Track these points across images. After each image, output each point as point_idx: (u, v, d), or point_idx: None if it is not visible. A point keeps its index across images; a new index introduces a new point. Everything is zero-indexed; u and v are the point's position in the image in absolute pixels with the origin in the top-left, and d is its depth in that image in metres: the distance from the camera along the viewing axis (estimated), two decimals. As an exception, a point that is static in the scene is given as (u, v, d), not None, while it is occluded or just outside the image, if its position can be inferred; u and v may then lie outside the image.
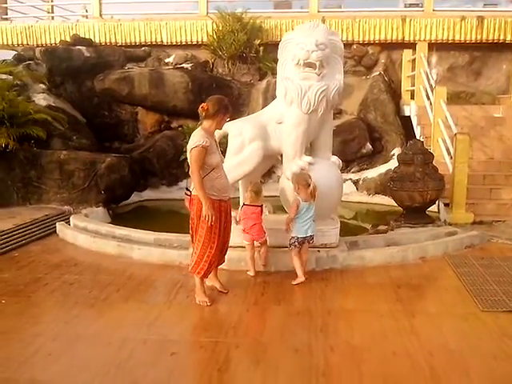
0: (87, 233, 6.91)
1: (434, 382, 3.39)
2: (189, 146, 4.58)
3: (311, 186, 5.18)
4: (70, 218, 7.62)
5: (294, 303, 4.77)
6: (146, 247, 6.21)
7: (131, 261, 6.07)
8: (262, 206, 5.48)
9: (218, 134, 5.95)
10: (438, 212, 7.99)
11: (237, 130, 5.63)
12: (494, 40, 11.62)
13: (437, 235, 6.72)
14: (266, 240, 5.47)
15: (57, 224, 7.43)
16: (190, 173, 4.64)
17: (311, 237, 5.29)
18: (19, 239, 6.88)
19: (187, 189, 4.79)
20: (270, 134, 5.73)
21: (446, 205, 7.81)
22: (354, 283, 5.28)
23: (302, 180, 5.24)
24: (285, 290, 5.06)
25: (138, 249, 6.19)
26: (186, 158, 10.39)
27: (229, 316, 4.48)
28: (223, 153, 5.78)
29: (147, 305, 4.73)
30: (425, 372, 3.50)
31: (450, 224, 7.35)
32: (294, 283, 5.15)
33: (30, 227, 7.29)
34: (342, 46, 5.76)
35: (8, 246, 6.61)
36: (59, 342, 4.00)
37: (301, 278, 5.18)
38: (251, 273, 5.46)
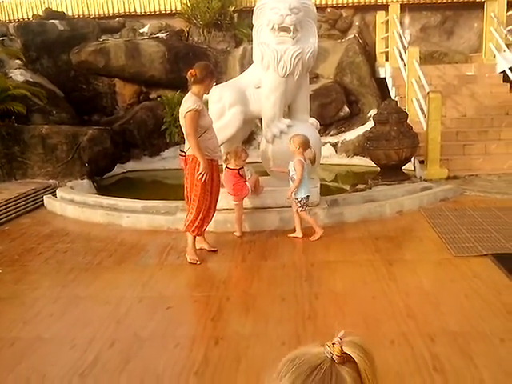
0: (75, 204, 7.07)
1: (410, 318, 3.70)
2: (182, 111, 4.80)
3: (312, 150, 5.42)
4: (57, 191, 7.76)
5: (279, 258, 5.05)
6: (134, 215, 6.41)
7: (121, 228, 6.28)
8: (239, 169, 5.65)
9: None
10: (414, 169, 8.29)
11: (217, 95, 5.80)
12: (464, -1, 11.80)
13: (412, 190, 7.04)
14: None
15: (44, 197, 7.57)
16: (185, 135, 4.86)
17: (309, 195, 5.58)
18: (9, 213, 7.02)
19: (181, 150, 5.02)
20: (249, 99, 5.92)
21: (421, 162, 8.10)
22: (334, 238, 5.57)
23: (305, 143, 5.39)
24: (270, 247, 5.33)
25: (126, 216, 6.38)
26: (167, 129, 10.53)
27: (219, 273, 4.75)
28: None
29: (140, 267, 4.97)
30: (401, 310, 3.82)
31: (426, 180, 7.65)
32: (313, 239, 5.43)
33: (18, 201, 7.42)
34: (315, 10, 5.93)
35: (-2, 220, 6.76)
36: (59, 304, 4.22)
37: (320, 232, 5.46)
38: (237, 233, 5.70)
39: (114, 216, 6.47)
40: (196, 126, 4.75)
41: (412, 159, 8.00)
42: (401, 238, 5.63)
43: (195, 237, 5.08)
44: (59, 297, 4.36)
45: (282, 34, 5.65)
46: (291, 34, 5.61)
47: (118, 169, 10.18)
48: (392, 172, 7.66)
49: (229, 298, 4.16)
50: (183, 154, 4.97)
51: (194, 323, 3.85)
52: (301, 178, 5.32)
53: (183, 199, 5.31)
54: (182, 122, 4.86)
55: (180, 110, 4.87)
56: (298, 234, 5.51)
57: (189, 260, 4.97)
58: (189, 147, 4.86)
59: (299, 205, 5.45)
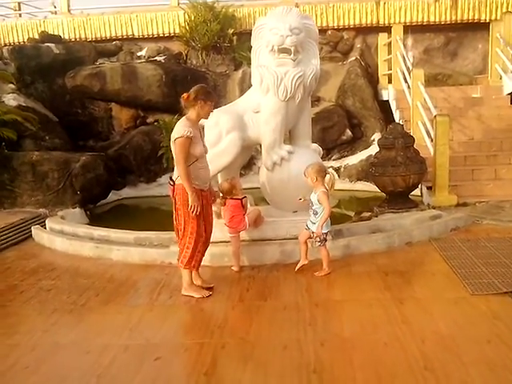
0: (64, 235, 6.69)
1: (428, 369, 3.28)
2: (172, 136, 4.47)
3: (330, 177, 5.05)
4: (46, 221, 7.38)
5: (281, 297, 4.63)
6: (125, 247, 6.01)
7: (111, 262, 5.88)
8: (241, 198, 5.31)
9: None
10: (421, 196, 7.93)
11: (213, 120, 5.45)
12: (468, 20, 11.58)
13: (421, 219, 6.64)
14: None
15: (32, 228, 7.19)
16: (175, 163, 4.52)
17: None
18: (-7, 246, 6.64)
19: (171, 178, 4.64)
20: (247, 124, 5.58)
21: (429, 188, 7.74)
22: (340, 273, 5.16)
23: (322, 171, 5.01)
24: (270, 285, 4.92)
25: (116, 249, 5.99)
26: (164, 154, 10.19)
27: (214, 315, 4.32)
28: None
29: (128, 307, 4.55)
30: (418, 360, 3.39)
31: (434, 207, 7.27)
32: (319, 275, 5.05)
33: (4, 232, 7.04)
34: (317, 30, 5.63)
35: (-19, 254, 6.37)
36: (37, 353, 3.80)
37: (328, 270, 5.09)
38: (235, 268, 5.31)
39: (103, 249, 6.07)
40: (185, 153, 4.40)
41: (419, 185, 7.63)
42: (411, 273, 5.21)
43: (191, 272, 4.71)
44: (37, 344, 3.94)
45: (282, 55, 5.33)
46: (292, 55, 5.29)
47: (113, 195, 9.84)
48: (399, 199, 7.28)
49: (224, 346, 3.73)
50: (172, 182, 4.59)
51: (185, 379, 3.41)
52: (330, 210, 4.97)
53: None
54: (172, 148, 4.50)
55: (171, 136, 4.51)
56: (326, 270, 5.10)
57: (198, 296, 4.64)
58: (178, 176, 4.51)
59: (318, 240, 5.06)
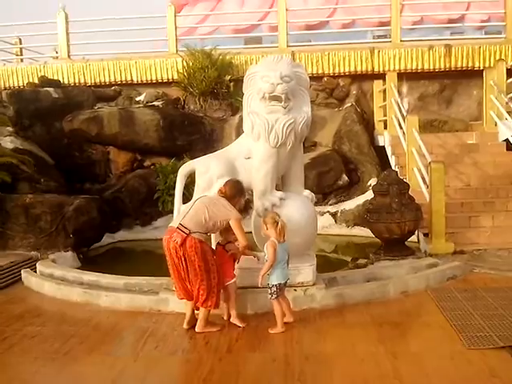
0: (52, 280, 6.55)
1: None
2: (231, 213, 4.85)
3: (279, 224, 4.88)
4: (37, 265, 7.26)
5: (270, 349, 4.48)
6: (113, 294, 5.87)
7: (98, 308, 5.72)
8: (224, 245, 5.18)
9: (184, 170, 5.79)
10: (418, 242, 7.82)
11: (203, 166, 5.43)
12: (462, 67, 11.73)
13: (418, 267, 6.52)
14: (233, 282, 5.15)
15: (22, 271, 7.06)
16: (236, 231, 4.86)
17: (288, 279, 5.02)
18: (-19, 290, 6.50)
19: (182, 225, 4.73)
20: (238, 170, 5.53)
21: (426, 235, 7.65)
22: (333, 323, 5.01)
23: (269, 218, 4.94)
24: (260, 335, 4.76)
25: (105, 295, 5.85)
26: (160, 197, 10.16)
27: (200, 367, 4.15)
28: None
29: (112, 357, 4.39)
30: (410, 422, 3.24)
31: (431, 255, 7.16)
32: (272, 332, 4.80)
33: (-7, 276, 6.91)
34: (308, 78, 5.64)
35: (-32, 298, 6.22)
36: (12, 408, 3.64)
37: (280, 329, 4.81)
38: (225, 316, 5.16)
39: (92, 295, 5.92)
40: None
41: (416, 232, 7.54)
42: (406, 325, 5.05)
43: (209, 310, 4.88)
44: (14, 397, 3.78)
45: (273, 102, 5.33)
46: (283, 102, 5.29)
47: (107, 238, 9.72)
48: (395, 246, 7.18)
49: (208, 402, 3.57)
50: (187, 231, 4.69)
51: None
52: (273, 262, 4.76)
53: (169, 275, 4.94)
54: (213, 209, 4.84)
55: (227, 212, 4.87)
56: (280, 329, 4.81)
57: (215, 330, 4.87)
58: (197, 231, 4.72)
59: (269, 292, 4.85)
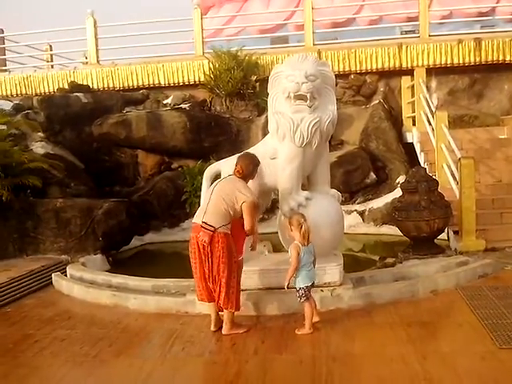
0: (82, 283, 6.66)
1: None
2: (245, 197, 4.79)
3: (303, 227, 4.78)
4: (67, 268, 7.38)
5: (297, 351, 4.44)
6: (141, 296, 5.93)
7: (127, 311, 5.79)
8: None
9: (210, 172, 5.81)
10: (448, 240, 7.67)
11: (229, 167, 5.41)
12: (493, 61, 11.43)
13: (447, 266, 6.40)
14: None
15: (52, 275, 7.20)
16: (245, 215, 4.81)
17: (315, 280, 4.96)
18: (13, 293, 6.63)
19: (205, 222, 4.76)
20: (264, 170, 5.51)
21: (456, 232, 7.50)
22: (361, 324, 4.96)
23: (295, 221, 4.87)
24: (287, 336, 4.74)
25: (133, 298, 5.91)
26: (187, 199, 10.29)
27: (226, 369, 4.16)
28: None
29: (140, 360, 4.44)
30: (440, 425, 3.17)
31: (461, 253, 7.02)
32: (299, 333, 4.78)
33: (25, 280, 7.05)
34: (333, 76, 5.60)
35: (1, 302, 6.36)
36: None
37: (308, 331, 4.77)
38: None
39: (120, 297, 6.00)
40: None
41: (445, 230, 7.39)
42: (436, 324, 4.96)
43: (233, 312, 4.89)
44: (44, 399, 3.85)
45: (298, 102, 5.31)
46: (308, 102, 5.26)
47: (136, 241, 9.82)
48: (424, 244, 7.06)
49: (234, 404, 3.57)
50: (212, 228, 4.71)
51: None
52: (296, 266, 4.71)
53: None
54: (229, 197, 4.81)
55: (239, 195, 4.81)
56: (308, 330, 4.77)
57: (241, 332, 4.87)
58: (222, 225, 4.73)
59: (297, 295, 4.80)
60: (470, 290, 5.66)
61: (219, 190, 4.91)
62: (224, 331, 4.86)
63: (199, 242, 4.74)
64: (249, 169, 5.03)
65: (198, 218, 4.88)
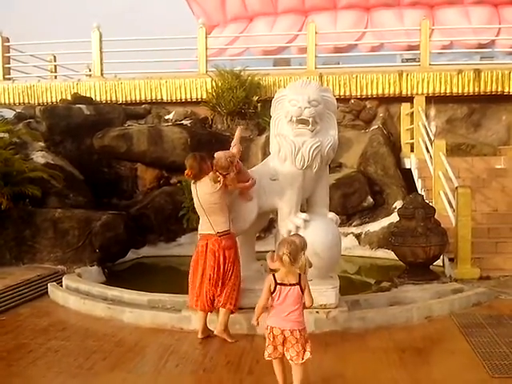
0: (77, 294, 6.66)
1: None
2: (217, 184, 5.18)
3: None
4: (63, 279, 7.39)
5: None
6: (137, 310, 5.93)
7: (122, 324, 5.80)
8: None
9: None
10: (443, 267, 7.74)
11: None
12: (491, 92, 11.63)
13: (442, 293, 6.46)
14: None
15: (48, 285, 7.20)
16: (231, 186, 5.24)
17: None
18: (8, 302, 6.63)
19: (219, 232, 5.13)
20: (264, 191, 5.58)
21: (451, 259, 7.57)
22: (355, 347, 4.99)
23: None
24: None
25: (129, 311, 5.92)
26: (185, 214, 10.37)
27: (220, 388, 4.18)
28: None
29: (134, 375, 4.45)
30: None
31: (456, 280, 7.08)
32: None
33: (20, 288, 7.06)
34: (335, 102, 5.70)
35: (-5, 310, 6.37)
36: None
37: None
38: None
39: (115, 310, 6.01)
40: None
41: (441, 256, 7.46)
42: (429, 351, 4.99)
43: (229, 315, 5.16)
44: (38, 409, 3.85)
45: (300, 126, 5.39)
46: (310, 126, 5.35)
47: (132, 254, 9.83)
48: (419, 270, 7.12)
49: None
50: (220, 233, 5.08)
51: None
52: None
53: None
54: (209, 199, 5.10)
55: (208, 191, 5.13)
56: None
57: (230, 341, 5.07)
58: (225, 229, 5.11)
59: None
60: (464, 318, 5.71)
61: (204, 202, 5.17)
62: (216, 331, 5.10)
63: (209, 250, 5.06)
64: (195, 168, 5.19)
65: (206, 229, 5.17)
